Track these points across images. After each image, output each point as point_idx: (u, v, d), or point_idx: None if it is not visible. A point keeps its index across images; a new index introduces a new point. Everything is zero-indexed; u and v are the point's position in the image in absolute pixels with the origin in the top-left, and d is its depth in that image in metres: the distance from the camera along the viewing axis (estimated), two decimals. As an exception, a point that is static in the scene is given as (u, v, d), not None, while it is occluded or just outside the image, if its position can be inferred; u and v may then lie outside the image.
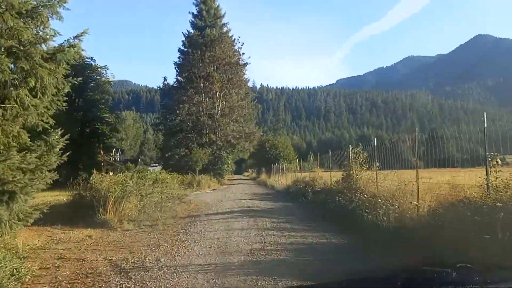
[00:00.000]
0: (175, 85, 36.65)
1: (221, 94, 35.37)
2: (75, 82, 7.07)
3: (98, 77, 26.06)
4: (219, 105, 35.61)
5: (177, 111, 33.25)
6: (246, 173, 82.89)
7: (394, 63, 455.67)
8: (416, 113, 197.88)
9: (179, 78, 36.42)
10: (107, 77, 26.76)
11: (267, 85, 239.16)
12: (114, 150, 34.67)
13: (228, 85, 35.72)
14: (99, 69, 26.04)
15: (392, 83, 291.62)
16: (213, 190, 25.41)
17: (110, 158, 30.79)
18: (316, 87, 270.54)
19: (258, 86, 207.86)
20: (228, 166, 40.93)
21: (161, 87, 38.28)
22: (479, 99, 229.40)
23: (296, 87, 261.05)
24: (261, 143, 45.34)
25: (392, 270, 3.34)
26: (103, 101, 26.71)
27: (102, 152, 27.25)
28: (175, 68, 37.06)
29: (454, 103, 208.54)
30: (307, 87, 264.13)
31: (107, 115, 26.84)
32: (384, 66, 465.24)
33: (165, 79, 37.38)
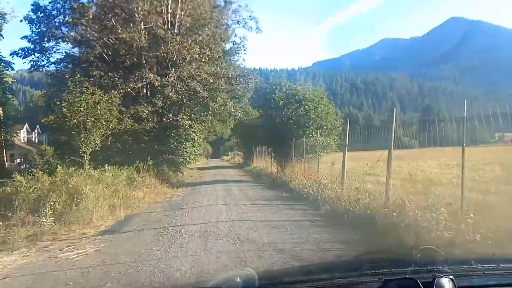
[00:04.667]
0: None
1: None
2: None
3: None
4: (171, 11, 17.03)
5: (75, 14, 15.36)
6: (225, 157, 64.76)
7: (370, 46, 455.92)
8: (396, 94, 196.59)
9: None
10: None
11: (245, 65, 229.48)
12: (25, 126, 25.28)
13: None
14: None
15: (369, 65, 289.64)
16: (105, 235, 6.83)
17: (17, 139, 22.19)
18: (295, 69, 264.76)
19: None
20: (194, 146, 19.63)
21: None
22: (455, 80, 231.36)
23: (274, 69, 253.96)
24: (261, 92, 21.18)
25: (359, 253, 3.27)
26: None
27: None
28: None
29: (432, 84, 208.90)
30: (286, 69, 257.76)
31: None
32: (360, 49, 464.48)
33: None
